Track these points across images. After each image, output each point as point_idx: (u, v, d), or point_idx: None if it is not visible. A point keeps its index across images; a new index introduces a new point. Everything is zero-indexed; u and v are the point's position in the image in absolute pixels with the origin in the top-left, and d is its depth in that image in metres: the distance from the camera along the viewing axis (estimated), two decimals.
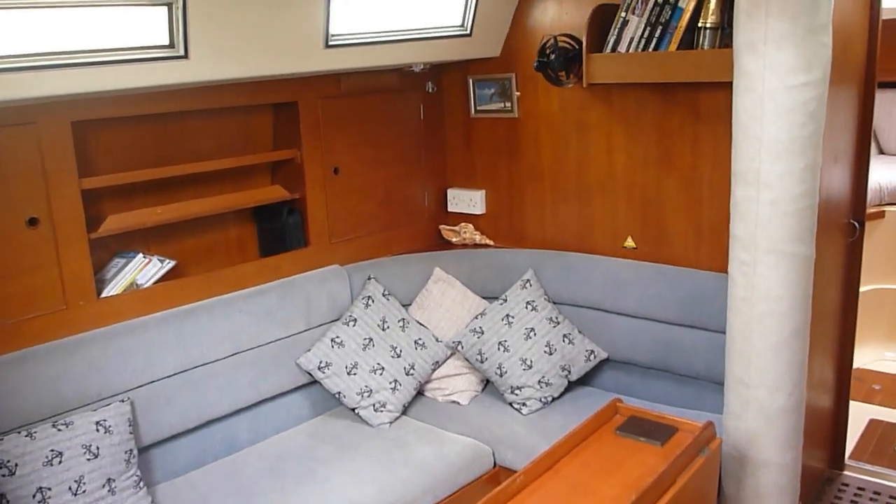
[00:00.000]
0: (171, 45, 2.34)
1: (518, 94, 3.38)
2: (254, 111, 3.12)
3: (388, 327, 3.14)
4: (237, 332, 2.87)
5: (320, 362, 3.00)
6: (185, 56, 2.36)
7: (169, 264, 2.82)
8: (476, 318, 3.23)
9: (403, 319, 3.20)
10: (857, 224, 3.19)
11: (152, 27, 2.30)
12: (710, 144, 2.90)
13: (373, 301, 3.17)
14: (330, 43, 2.72)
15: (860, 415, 3.83)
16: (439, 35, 3.13)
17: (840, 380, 3.40)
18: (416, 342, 3.16)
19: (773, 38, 2.19)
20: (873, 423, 3.84)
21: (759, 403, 2.46)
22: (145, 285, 2.75)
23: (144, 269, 2.75)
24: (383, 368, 3.05)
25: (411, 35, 3.03)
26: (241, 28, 2.45)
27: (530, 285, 3.25)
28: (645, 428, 2.36)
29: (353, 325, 3.09)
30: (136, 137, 2.80)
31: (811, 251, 2.40)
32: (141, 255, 2.76)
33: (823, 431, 3.32)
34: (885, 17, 3.05)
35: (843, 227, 3.15)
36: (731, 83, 2.61)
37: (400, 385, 3.05)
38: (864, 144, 3.15)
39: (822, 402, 3.25)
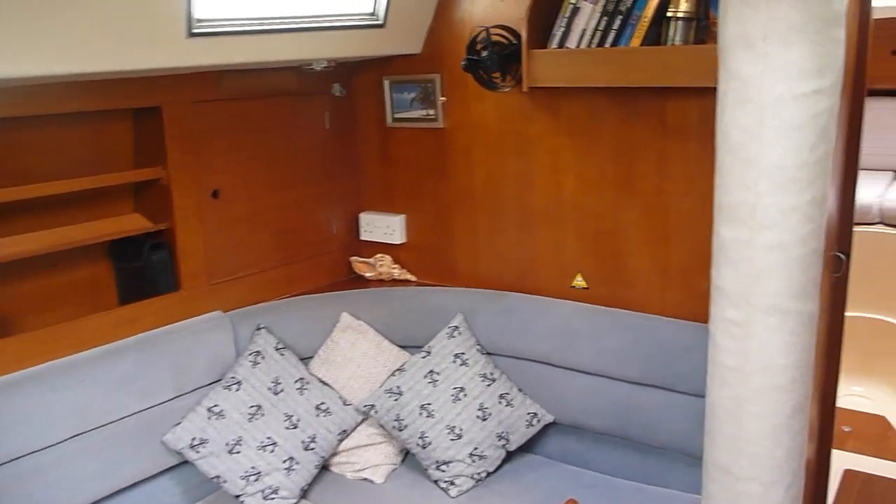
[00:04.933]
0: None
1: (443, 99, 2.79)
2: (108, 119, 2.45)
3: (281, 390, 2.50)
4: (81, 407, 2.22)
5: (193, 439, 2.35)
6: None
7: None
8: (393, 374, 2.63)
9: (302, 379, 2.57)
10: (842, 256, 2.70)
11: None
12: (678, 164, 2.36)
13: (263, 357, 2.53)
14: (194, 30, 2.07)
15: (833, 464, 3.37)
16: (345, 25, 2.51)
17: (823, 429, 2.92)
18: (317, 408, 2.53)
19: (778, 30, 1.64)
20: (849, 476, 3.38)
21: (754, 501, 1.92)
22: None
23: None
24: (275, 444, 2.42)
25: (308, 24, 2.40)
26: (61, 5, 1.78)
27: (459, 333, 2.66)
28: None
29: (237, 390, 2.45)
30: None
31: (817, 306, 1.87)
32: None
33: (804, 490, 2.83)
34: (875, 15, 2.54)
35: (827, 261, 2.65)
36: (708, 89, 2.08)
37: (297, 464, 2.42)
38: (851, 164, 2.65)
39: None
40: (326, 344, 2.72)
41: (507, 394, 2.58)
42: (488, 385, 2.58)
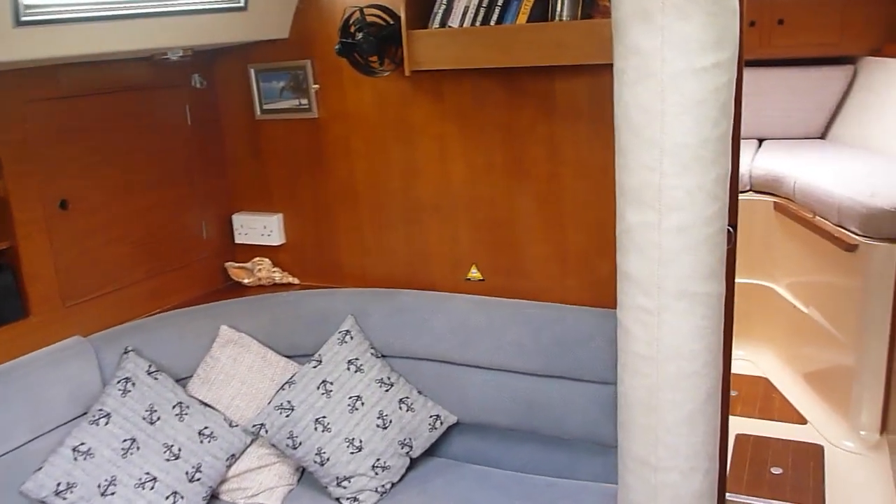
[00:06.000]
0: None
1: (317, 87, 2.58)
2: None
3: (158, 419, 2.25)
4: None
5: (58, 485, 2.06)
6: None
7: None
8: (282, 388, 2.42)
9: (180, 404, 2.32)
10: (731, 229, 2.70)
11: None
12: (570, 146, 2.27)
13: (133, 384, 2.26)
14: (23, 18, 1.79)
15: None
16: (202, 9, 2.26)
17: (721, 399, 2.95)
18: (200, 433, 2.30)
19: (675, 2, 1.56)
20: (741, 441, 3.46)
21: (673, 490, 1.86)
22: None
23: None
24: (155, 479, 2.17)
25: (159, 8, 2.14)
26: None
27: (351, 337, 2.49)
28: None
29: (107, 424, 2.18)
30: None
31: (723, 286, 1.83)
32: None
33: None
34: None
35: None
36: (597, 66, 2.01)
37: (181, 498, 2.19)
38: (734, 136, 2.65)
39: None
40: (205, 361, 2.47)
41: (406, 398, 2.43)
42: (386, 390, 2.42)
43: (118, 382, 2.25)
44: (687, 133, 1.63)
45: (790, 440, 3.42)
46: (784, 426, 3.55)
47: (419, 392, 2.47)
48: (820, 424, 3.50)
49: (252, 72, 2.68)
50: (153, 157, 2.59)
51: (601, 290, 2.30)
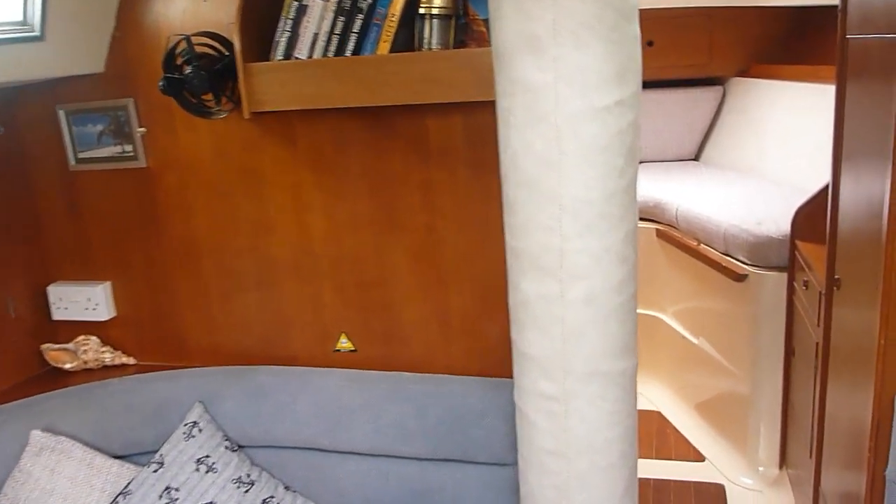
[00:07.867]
0: None
1: (142, 130, 2.16)
2: None
3: None
4: None
5: None
6: None
7: None
8: (116, 501, 1.98)
9: None
10: None
11: None
12: (447, 195, 1.97)
13: None
14: None
15: None
16: None
17: None
18: None
19: (569, 27, 1.27)
20: (641, 485, 3.17)
21: None
22: None
23: None
24: None
25: None
26: None
27: (200, 430, 2.07)
28: None
29: None
30: None
31: (636, 359, 1.56)
32: None
33: None
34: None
35: None
36: (473, 103, 1.72)
37: None
38: None
39: None
40: (13, 477, 1.98)
41: (271, 497, 2.05)
42: (246, 491, 2.02)
43: None
44: (590, 186, 1.34)
45: (690, 481, 3.26)
46: (682, 465, 3.39)
47: (286, 488, 2.09)
48: (718, 461, 3.36)
49: (62, 114, 2.22)
50: None
51: (491, 357, 2.01)
